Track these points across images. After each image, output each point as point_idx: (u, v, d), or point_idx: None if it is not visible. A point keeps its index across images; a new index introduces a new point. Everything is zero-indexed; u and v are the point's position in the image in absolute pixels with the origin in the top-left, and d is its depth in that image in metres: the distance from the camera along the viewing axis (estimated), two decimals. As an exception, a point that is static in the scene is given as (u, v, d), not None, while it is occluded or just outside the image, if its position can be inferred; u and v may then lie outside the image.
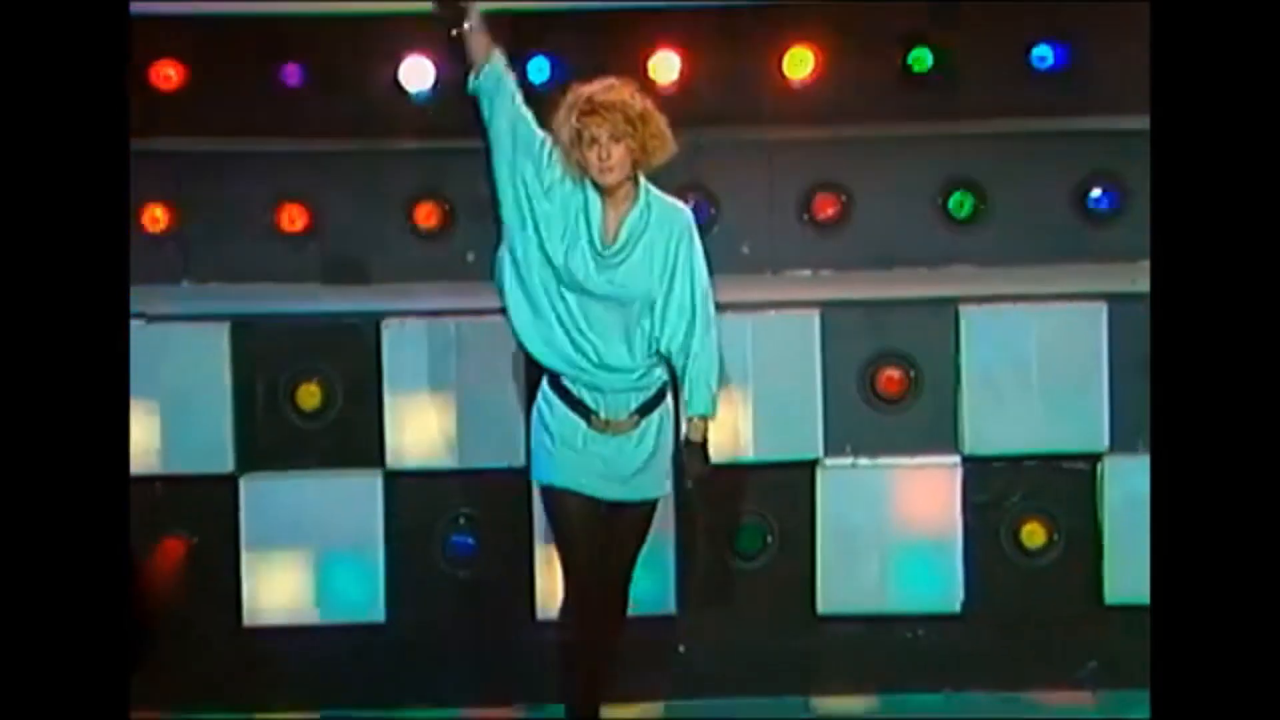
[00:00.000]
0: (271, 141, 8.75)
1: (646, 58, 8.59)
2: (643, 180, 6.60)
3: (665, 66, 8.61)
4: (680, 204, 6.71)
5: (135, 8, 8.48)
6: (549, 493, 6.83)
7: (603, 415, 6.69)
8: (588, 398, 6.70)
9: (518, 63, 8.54)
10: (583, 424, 6.72)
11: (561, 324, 6.66)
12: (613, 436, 6.71)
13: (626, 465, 6.73)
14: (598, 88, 6.63)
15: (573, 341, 6.66)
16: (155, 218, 8.48)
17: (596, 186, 6.62)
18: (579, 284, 6.62)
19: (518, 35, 8.51)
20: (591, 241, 6.61)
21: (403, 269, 8.45)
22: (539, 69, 8.57)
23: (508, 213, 6.63)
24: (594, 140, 6.50)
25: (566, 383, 6.72)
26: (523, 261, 6.64)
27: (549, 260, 6.61)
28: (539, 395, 6.84)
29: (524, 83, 8.17)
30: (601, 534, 6.82)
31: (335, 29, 8.89)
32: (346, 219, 8.53)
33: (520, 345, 6.81)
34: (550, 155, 6.60)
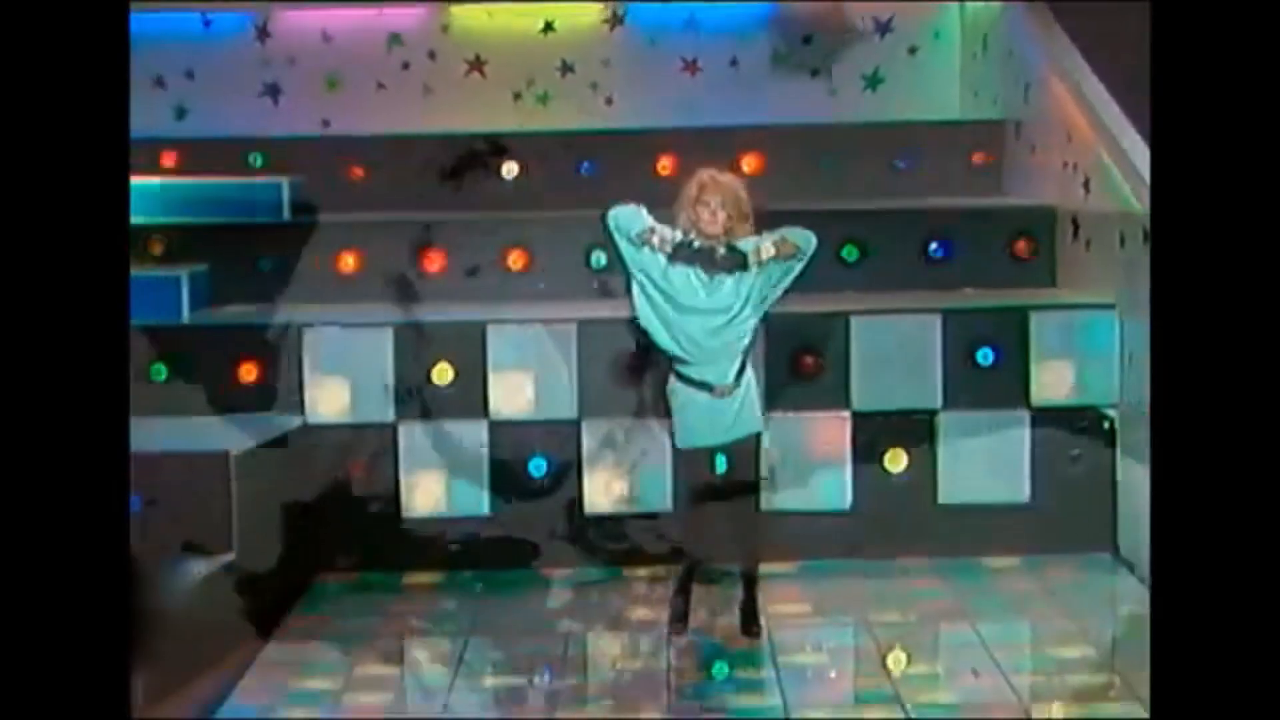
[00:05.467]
0: (417, 213, 10.58)
1: (656, 161, 10.98)
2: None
3: (663, 167, 10.69)
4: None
5: (338, 131, 10.68)
6: (687, 452, 7.72)
7: (717, 386, 7.60)
8: (708, 376, 7.60)
9: (571, 166, 10.64)
10: (705, 395, 7.63)
11: (682, 333, 7.53)
12: (724, 398, 7.58)
13: (733, 415, 7.59)
14: (717, 172, 7.59)
15: (686, 344, 7.55)
16: (347, 263, 10.17)
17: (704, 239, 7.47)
18: (690, 306, 7.53)
19: (570, 148, 10.86)
20: (700, 277, 7.54)
21: (500, 292, 9.94)
22: (585, 168, 10.68)
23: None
24: (707, 203, 7.47)
25: (688, 371, 7.61)
26: (653, 295, 7.52)
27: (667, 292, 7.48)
28: (670, 383, 7.58)
29: (577, 177, 10.51)
30: (714, 471, 7.59)
31: (459, 144, 11.07)
32: (466, 262, 10.04)
33: (655, 344, 7.61)
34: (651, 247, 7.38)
